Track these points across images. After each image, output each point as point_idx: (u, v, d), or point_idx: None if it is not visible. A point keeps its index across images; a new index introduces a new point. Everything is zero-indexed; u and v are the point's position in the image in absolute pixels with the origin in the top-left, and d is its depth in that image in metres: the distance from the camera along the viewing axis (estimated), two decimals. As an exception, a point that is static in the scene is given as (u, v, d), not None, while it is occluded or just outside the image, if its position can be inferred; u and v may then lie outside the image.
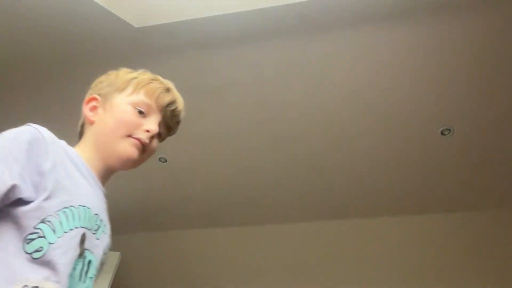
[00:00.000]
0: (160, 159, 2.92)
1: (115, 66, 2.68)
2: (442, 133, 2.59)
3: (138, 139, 0.90)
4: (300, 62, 2.30)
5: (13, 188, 0.69)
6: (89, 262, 0.81)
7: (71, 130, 3.18)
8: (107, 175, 0.95)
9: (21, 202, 0.71)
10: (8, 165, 0.70)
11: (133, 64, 2.53)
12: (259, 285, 3.20)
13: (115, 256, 3.03)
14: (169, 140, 3.36)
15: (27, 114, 2.68)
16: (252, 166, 2.89)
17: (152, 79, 0.98)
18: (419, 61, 2.24)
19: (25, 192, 0.70)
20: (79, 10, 2.06)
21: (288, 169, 2.90)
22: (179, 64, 2.35)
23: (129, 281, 3.32)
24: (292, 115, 2.53)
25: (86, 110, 0.96)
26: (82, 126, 0.97)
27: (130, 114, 0.91)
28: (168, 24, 2.12)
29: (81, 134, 0.97)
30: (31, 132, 0.76)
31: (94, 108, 0.96)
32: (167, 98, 0.97)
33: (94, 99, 0.97)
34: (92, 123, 0.94)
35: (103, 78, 1.03)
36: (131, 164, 0.92)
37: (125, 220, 3.47)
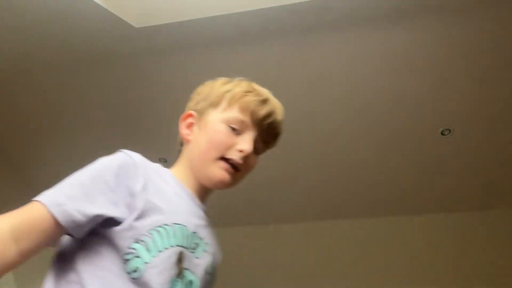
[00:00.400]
0: (160, 159, 2.91)
1: (115, 66, 2.70)
2: (442, 133, 2.59)
3: (230, 159, 0.85)
4: (300, 62, 2.30)
5: (96, 216, 0.71)
6: (190, 282, 0.78)
7: (72, 130, 3.16)
8: (205, 193, 0.91)
9: (114, 222, 0.72)
10: (96, 193, 0.72)
11: (133, 64, 2.56)
12: (259, 284, 3.20)
13: (115, 256, 3.03)
14: (169, 140, 3.34)
15: (27, 114, 2.68)
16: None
17: (246, 91, 0.91)
18: (419, 61, 2.25)
19: (116, 213, 0.72)
20: (79, 10, 2.06)
21: (288, 169, 2.90)
22: (179, 64, 2.35)
23: (129, 281, 3.31)
24: (292, 115, 2.53)
25: (182, 128, 0.92)
26: (180, 145, 0.94)
27: (222, 134, 0.86)
28: (168, 24, 2.12)
29: (180, 152, 0.95)
30: (120, 158, 0.78)
31: (190, 125, 0.92)
32: (262, 112, 0.89)
33: (190, 115, 0.93)
34: (188, 142, 0.91)
35: (200, 89, 0.99)
36: (224, 186, 0.87)
37: (125, 220, 3.46)
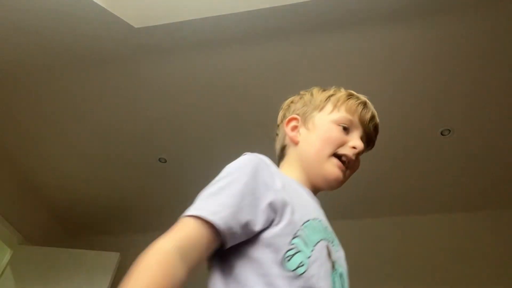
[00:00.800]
0: (160, 159, 2.92)
1: (115, 66, 2.69)
2: (442, 133, 2.58)
3: (344, 155, 0.89)
4: (300, 62, 2.30)
5: (248, 221, 0.70)
6: (340, 274, 0.79)
7: (72, 129, 3.16)
8: (314, 193, 0.93)
9: (264, 224, 0.71)
10: (242, 199, 0.71)
11: (133, 63, 2.55)
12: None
13: (115, 256, 3.03)
14: (169, 140, 3.35)
15: (28, 115, 2.68)
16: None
17: (349, 95, 0.98)
18: (418, 61, 2.24)
19: (264, 216, 0.71)
20: (78, 11, 2.06)
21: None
22: (179, 64, 2.35)
23: (129, 281, 3.31)
24: (292, 115, 2.54)
25: (288, 131, 0.96)
26: (283, 148, 0.97)
27: (336, 132, 0.90)
28: (168, 24, 2.12)
29: (281, 156, 0.97)
30: (252, 160, 0.78)
31: (294, 128, 0.96)
32: (368, 114, 0.96)
33: (294, 119, 0.97)
34: (296, 143, 0.94)
35: (295, 98, 1.04)
36: (337, 184, 0.91)
37: (125, 220, 3.46)
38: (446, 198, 3.04)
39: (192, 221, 0.69)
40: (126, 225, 3.51)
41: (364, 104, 0.97)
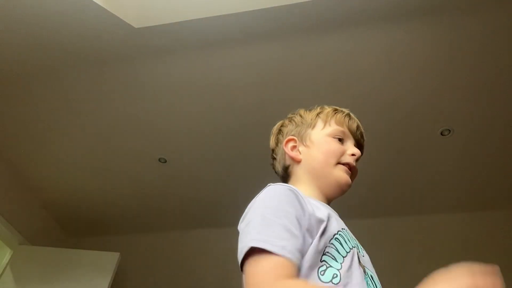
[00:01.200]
0: (160, 159, 2.92)
1: (115, 66, 2.69)
2: (442, 133, 2.58)
3: (346, 163, 0.98)
4: (300, 62, 2.30)
5: (302, 248, 0.75)
6: (371, 277, 0.85)
7: (72, 129, 3.15)
8: (328, 203, 1.00)
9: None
10: (292, 226, 0.76)
11: (133, 64, 2.55)
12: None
13: (115, 257, 3.03)
14: (169, 140, 3.34)
15: (28, 115, 2.68)
16: (252, 166, 2.89)
17: (335, 110, 1.07)
18: (418, 61, 2.25)
19: (308, 239, 0.77)
20: (78, 11, 2.06)
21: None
22: (179, 64, 2.35)
23: (129, 281, 3.32)
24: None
25: (288, 151, 1.03)
26: (286, 168, 1.04)
27: (334, 144, 1.00)
28: (168, 24, 2.12)
29: (285, 176, 1.04)
30: (286, 189, 0.83)
31: (293, 148, 1.03)
32: (354, 123, 1.06)
33: (291, 139, 1.04)
34: (299, 161, 1.01)
35: (284, 122, 1.12)
36: (347, 188, 0.99)
37: (125, 220, 3.46)
38: (446, 198, 3.04)
39: (271, 258, 0.71)
40: (126, 225, 3.51)
41: (349, 115, 1.07)
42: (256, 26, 2.12)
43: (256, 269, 0.71)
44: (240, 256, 0.75)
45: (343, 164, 0.98)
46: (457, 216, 3.10)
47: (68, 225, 3.57)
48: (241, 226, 0.82)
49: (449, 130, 2.56)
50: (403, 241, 3.10)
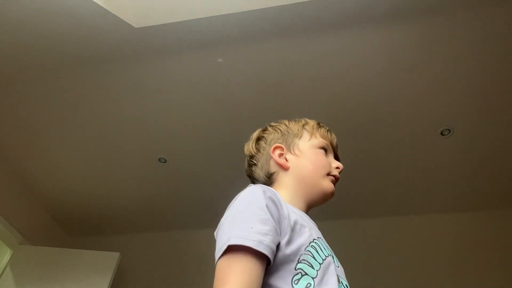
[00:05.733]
0: (160, 159, 2.92)
1: (115, 66, 2.68)
2: (442, 133, 2.59)
3: (333, 176, 1.05)
4: (300, 62, 2.30)
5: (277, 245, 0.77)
6: (346, 286, 0.86)
7: (72, 129, 3.15)
8: (307, 211, 1.03)
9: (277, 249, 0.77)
10: (269, 224, 0.77)
11: (133, 64, 2.55)
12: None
13: (115, 256, 3.03)
14: (169, 140, 3.34)
15: (28, 115, 2.68)
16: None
17: (317, 124, 1.14)
18: (418, 61, 2.24)
19: (281, 240, 0.78)
20: (78, 10, 2.06)
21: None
22: (178, 64, 2.35)
23: (129, 281, 3.32)
24: (293, 115, 2.53)
25: (276, 158, 1.05)
26: (271, 175, 1.05)
27: (322, 157, 1.06)
28: (168, 24, 2.12)
29: (268, 183, 1.05)
30: (260, 188, 0.84)
31: (280, 155, 1.06)
32: (335, 138, 1.13)
33: (279, 147, 1.07)
34: (287, 168, 1.04)
35: (268, 130, 1.15)
36: (330, 198, 1.04)
37: (125, 220, 3.46)
38: (446, 198, 3.04)
39: (242, 253, 0.72)
40: (126, 225, 3.51)
41: (330, 131, 1.14)
42: (256, 26, 2.13)
43: (229, 267, 0.72)
44: (218, 253, 0.76)
45: (331, 175, 1.04)
46: (457, 216, 3.10)
47: (68, 225, 3.57)
48: (220, 222, 0.85)
49: (449, 130, 2.56)
50: (403, 241, 3.10)
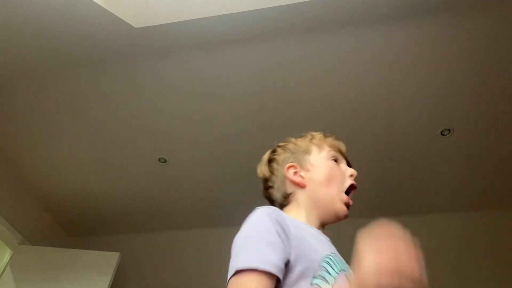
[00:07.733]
0: (160, 159, 2.92)
1: (115, 66, 2.68)
2: (442, 133, 2.58)
3: (350, 186, 1.03)
4: (300, 62, 2.30)
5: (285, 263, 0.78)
6: None
7: (72, 129, 3.15)
8: (321, 228, 1.03)
9: (288, 269, 0.78)
10: (277, 244, 0.78)
11: (133, 64, 2.55)
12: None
13: (115, 256, 3.03)
14: (169, 140, 3.34)
15: (28, 115, 2.68)
16: (252, 166, 2.88)
17: (323, 135, 1.13)
18: (418, 61, 2.24)
19: (287, 257, 0.78)
20: (78, 11, 2.06)
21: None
22: (179, 64, 2.35)
23: (129, 281, 3.32)
24: (293, 115, 2.53)
25: (292, 177, 1.04)
26: (287, 195, 1.04)
27: (335, 167, 1.05)
28: (168, 24, 2.12)
29: (285, 204, 1.05)
30: (265, 211, 0.85)
31: (295, 174, 1.05)
32: (342, 146, 1.12)
33: (292, 166, 1.06)
34: (304, 186, 1.03)
35: (277, 151, 1.13)
36: (344, 219, 1.03)
37: (125, 220, 3.46)
38: (446, 198, 3.04)
39: (250, 275, 0.74)
40: (126, 225, 3.51)
41: (336, 139, 1.13)
42: (256, 26, 2.13)
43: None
44: (229, 275, 0.78)
45: (346, 192, 1.02)
46: (457, 216, 3.09)
47: (68, 225, 3.57)
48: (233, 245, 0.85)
49: (449, 130, 2.56)
50: (403, 241, 3.10)
